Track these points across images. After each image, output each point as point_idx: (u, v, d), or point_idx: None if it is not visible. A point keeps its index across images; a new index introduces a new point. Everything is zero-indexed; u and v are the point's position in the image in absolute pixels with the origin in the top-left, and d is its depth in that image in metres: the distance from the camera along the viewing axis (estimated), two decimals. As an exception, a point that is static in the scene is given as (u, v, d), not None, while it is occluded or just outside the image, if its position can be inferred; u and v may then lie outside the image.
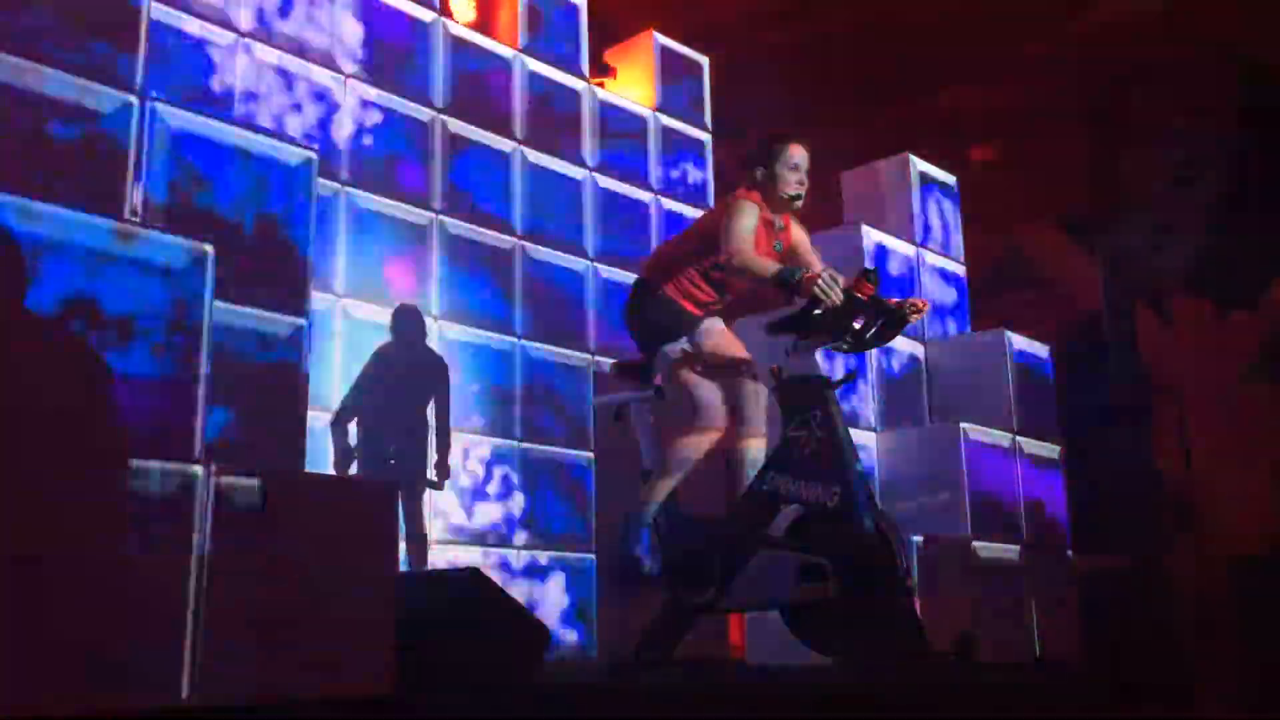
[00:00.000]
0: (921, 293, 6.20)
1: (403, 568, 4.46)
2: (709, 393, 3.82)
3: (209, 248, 2.83)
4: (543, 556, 5.31)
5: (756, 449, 3.88)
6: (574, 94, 6.10)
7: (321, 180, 4.23)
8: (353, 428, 4.82)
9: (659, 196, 6.32)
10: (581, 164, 6.02)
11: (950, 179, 6.75)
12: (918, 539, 4.86)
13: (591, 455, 5.56)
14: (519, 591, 5.08)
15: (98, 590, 2.46)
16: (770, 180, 3.84)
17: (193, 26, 4.58)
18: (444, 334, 5.22)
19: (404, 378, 4.95)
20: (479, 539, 5.14)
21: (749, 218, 3.75)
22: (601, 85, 6.38)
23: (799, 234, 4.03)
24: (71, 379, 2.55)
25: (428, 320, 5.14)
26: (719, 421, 3.82)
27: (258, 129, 3.53)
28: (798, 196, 3.86)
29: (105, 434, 2.56)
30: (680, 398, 3.87)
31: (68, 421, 2.50)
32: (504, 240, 5.56)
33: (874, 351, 5.47)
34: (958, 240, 6.71)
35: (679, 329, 3.91)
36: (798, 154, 3.85)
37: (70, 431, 2.50)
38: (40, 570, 2.36)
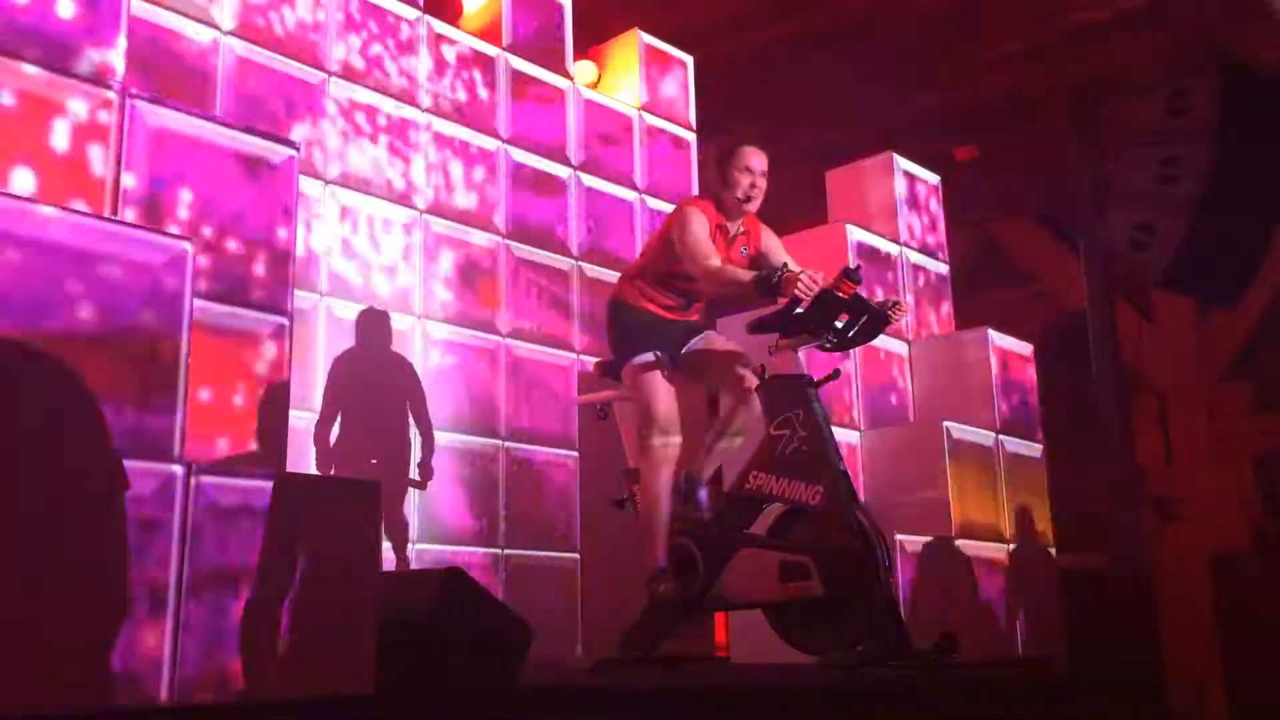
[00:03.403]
0: (905, 291, 6.22)
1: (385, 567, 4.45)
2: (663, 398, 3.90)
3: (189, 246, 2.81)
4: (526, 556, 5.30)
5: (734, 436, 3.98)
6: (558, 93, 6.09)
7: (304, 178, 4.22)
8: (335, 429, 4.80)
9: (644, 196, 6.32)
10: (566, 163, 6.01)
11: (933, 177, 6.77)
12: (901, 537, 4.87)
13: (575, 455, 5.56)
14: (501, 591, 5.08)
15: (80, 591, 2.44)
16: (723, 183, 3.89)
17: (174, 22, 4.56)
18: (428, 333, 5.21)
19: (379, 379, 4.93)
20: (462, 539, 5.13)
21: (698, 227, 3.81)
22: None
23: (769, 240, 4.08)
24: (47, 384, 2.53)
25: (408, 319, 5.13)
26: (672, 425, 3.89)
27: (239, 127, 3.51)
28: (748, 199, 3.91)
29: (94, 435, 2.55)
30: (639, 408, 3.95)
31: (55, 425, 2.48)
32: (488, 239, 5.55)
33: (857, 350, 5.47)
34: (941, 238, 6.73)
35: (651, 335, 3.97)
36: (751, 157, 3.91)
37: (57, 435, 2.48)
38: (29, 571, 2.35)
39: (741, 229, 4.00)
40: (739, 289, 3.69)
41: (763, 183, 3.92)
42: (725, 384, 4.03)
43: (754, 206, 3.95)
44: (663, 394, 3.91)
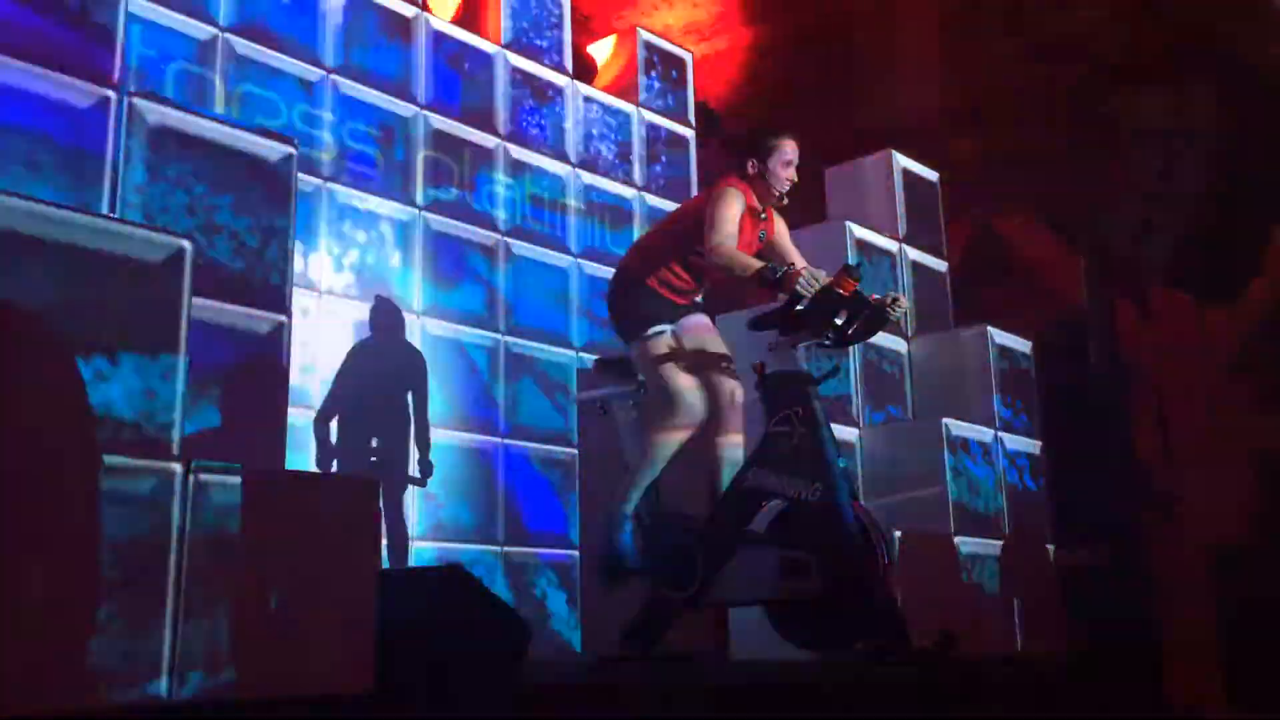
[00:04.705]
0: (904, 288, 6.21)
1: (384, 565, 4.45)
2: (689, 387, 3.83)
3: (187, 244, 2.81)
4: (526, 553, 5.30)
5: (733, 447, 3.90)
6: (557, 89, 6.08)
7: (302, 175, 4.21)
8: (334, 425, 4.81)
9: (642, 193, 6.31)
10: (565, 160, 6.00)
11: (933, 175, 6.76)
12: (900, 534, 4.87)
13: (575, 452, 5.56)
14: (501, 588, 5.08)
15: (76, 588, 2.44)
16: (762, 174, 3.88)
17: (172, 20, 4.55)
18: (427, 330, 5.20)
19: (383, 374, 4.93)
20: (461, 536, 5.13)
21: (734, 206, 3.78)
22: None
23: (780, 226, 4.08)
24: (42, 374, 2.53)
25: (408, 316, 5.12)
26: (698, 416, 3.83)
27: (237, 124, 3.51)
28: (786, 194, 3.91)
29: (80, 428, 2.55)
30: (659, 390, 3.88)
31: (42, 416, 2.48)
32: (487, 236, 5.55)
33: (856, 346, 5.47)
34: (940, 236, 6.72)
35: (662, 319, 3.91)
36: (791, 150, 3.90)
37: (46, 427, 2.48)
38: (17, 569, 2.34)
39: (764, 214, 4.01)
40: (740, 276, 3.67)
41: (795, 177, 3.94)
42: (711, 386, 3.95)
43: (785, 200, 3.97)
44: (686, 380, 3.84)
